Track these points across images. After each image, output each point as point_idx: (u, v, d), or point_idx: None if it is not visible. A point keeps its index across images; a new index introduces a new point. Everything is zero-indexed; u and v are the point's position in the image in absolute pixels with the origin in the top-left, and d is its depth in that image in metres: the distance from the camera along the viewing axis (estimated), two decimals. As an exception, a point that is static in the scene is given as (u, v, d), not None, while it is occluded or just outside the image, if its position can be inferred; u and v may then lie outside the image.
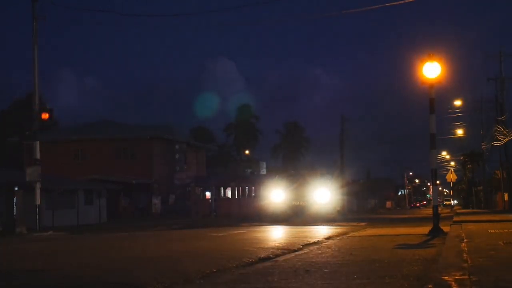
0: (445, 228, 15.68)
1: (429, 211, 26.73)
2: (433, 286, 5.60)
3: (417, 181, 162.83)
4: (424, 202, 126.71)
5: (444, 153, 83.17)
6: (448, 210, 65.00)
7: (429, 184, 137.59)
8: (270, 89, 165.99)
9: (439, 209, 17.27)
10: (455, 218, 26.55)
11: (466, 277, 5.93)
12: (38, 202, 25.50)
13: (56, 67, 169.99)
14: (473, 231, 14.42)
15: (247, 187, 61.63)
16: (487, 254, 8.28)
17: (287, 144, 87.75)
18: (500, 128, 44.41)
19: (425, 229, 15.86)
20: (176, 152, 53.75)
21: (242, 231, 18.81)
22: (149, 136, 50.58)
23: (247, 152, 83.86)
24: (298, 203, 27.38)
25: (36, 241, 17.22)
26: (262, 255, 10.03)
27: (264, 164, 78.84)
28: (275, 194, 27.90)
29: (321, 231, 17.88)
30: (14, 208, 27.68)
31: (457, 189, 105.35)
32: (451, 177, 56.14)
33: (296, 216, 26.78)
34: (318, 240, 14.05)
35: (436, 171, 16.57)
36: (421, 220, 28.59)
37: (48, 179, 31.67)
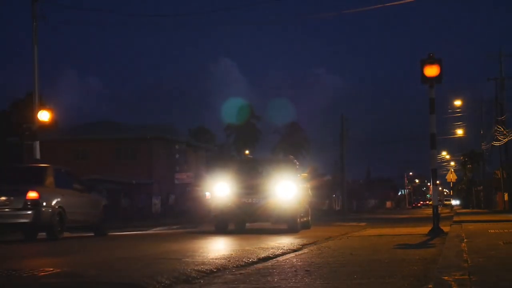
0: (445, 228, 15.69)
1: (429, 211, 26.67)
2: (433, 286, 5.60)
3: (417, 181, 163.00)
4: (427, 202, 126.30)
5: (444, 153, 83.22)
6: (448, 210, 65.05)
7: (429, 184, 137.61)
8: (270, 88, 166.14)
9: (439, 209, 17.27)
10: (455, 218, 26.58)
11: (466, 277, 5.93)
12: (38, 202, 25.44)
13: (56, 67, 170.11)
14: (473, 231, 14.42)
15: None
16: (487, 254, 8.27)
17: (286, 144, 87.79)
18: (500, 128, 44.41)
19: (425, 229, 15.87)
20: (176, 152, 53.76)
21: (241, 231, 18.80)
22: (149, 136, 50.57)
23: (247, 152, 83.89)
24: (250, 199, 18.00)
25: (36, 241, 17.20)
26: (262, 255, 10.02)
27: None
28: (219, 188, 18.59)
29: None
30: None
31: (457, 189, 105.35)
32: (451, 177, 56.15)
33: (247, 218, 18.82)
34: (318, 240, 14.06)
35: (436, 171, 16.58)
36: (421, 220, 28.60)
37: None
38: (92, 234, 18.91)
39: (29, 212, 16.13)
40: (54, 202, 16.76)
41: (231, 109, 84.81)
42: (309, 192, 21.35)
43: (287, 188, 18.15)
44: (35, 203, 16.24)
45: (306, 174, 21.61)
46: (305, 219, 19.56)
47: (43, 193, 16.48)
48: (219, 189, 18.44)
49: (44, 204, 16.39)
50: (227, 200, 18.11)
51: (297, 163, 21.03)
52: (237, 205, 18.00)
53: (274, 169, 19.45)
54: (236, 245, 12.73)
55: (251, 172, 19.66)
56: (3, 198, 16.33)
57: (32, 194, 16.23)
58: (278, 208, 17.79)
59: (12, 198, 16.33)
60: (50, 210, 16.58)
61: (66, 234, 17.48)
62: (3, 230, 17.30)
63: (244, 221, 19.35)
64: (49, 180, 17.25)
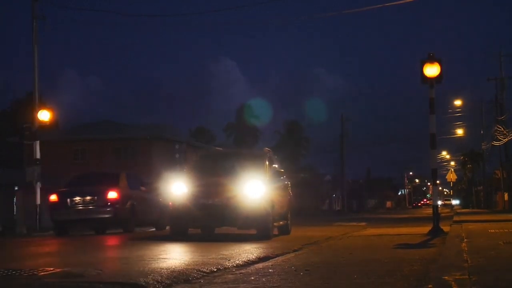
0: (445, 228, 15.70)
1: (429, 211, 26.67)
2: (433, 286, 5.60)
3: (417, 181, 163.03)
4: (428, 202, 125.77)
5: (444, 153, 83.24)
6: (448, 210, 65.06)
7: (429, 184, 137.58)
8: (270, 88, 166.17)
9: (439, 209, 17.28)
10: (455, 218, 26.58)
11: (466, 277, 5.93)
12: (38, 202, 25.48)
13: (56, 67, 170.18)
14: (473, 231, 14.43)
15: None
16: (487, 254, 8.28)
17: (286, 144, 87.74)
18: (500, 128, 44.42)
19: (425, 229, 15.87)
20: (176, 152, 53.73)
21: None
22: (149, 136, 50.57)
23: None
24: (210, 200, 15.01)
25: (36, 241, 17.22)
26: (262, 255, 10.03)
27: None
28: (176, 187, 15.56)
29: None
30: (14, 208, 27.69)
31: (457, 189, 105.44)
32: (451, 177, 56.18)
33: (208, 221, 15.47)
34: (318, 240, 14.06)
35: (436, 171, 16.60)
36: (421, 220, 28.61)
37: (48, 179, 31.64)
38: (154, 229, 21.80)
39: (110, 209, 19.18)
40: (128, 201, 19.79)
41: (252, 110, 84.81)
42: (289, 191, 18.13)
43: (257, 187, 15.08)
44: (115, 202, 19.29)
45: (283, 170, 18.25)
46: (281, 222, 16.70)
47: (120, 194, 19.51)
48: (177, 188, 15.48)
49: (121, 202, 19.39)
50: (185, 201, 15.11)
51: (273, 156, 17.94)
52: (196, 207, 14.96)
53: (243, 164, 16.33)
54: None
55: (215, 168, 16.58)
56: (88, 197, 19.36)
57: (112, 194, 19.32)
58: (245, 210, 14.72)
59: (95, 197, 19.39)
60: (126, 208, 19.60)
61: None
62: (88, 224, 20.34)
63: (205, 225, 16.22)
64: (123, 182, 20.29)
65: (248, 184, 15.05)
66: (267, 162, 16.62)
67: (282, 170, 18.08)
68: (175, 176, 17.63)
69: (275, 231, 16.13)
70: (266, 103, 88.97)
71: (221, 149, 19.83)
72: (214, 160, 17.93)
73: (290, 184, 18.67)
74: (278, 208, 16.10)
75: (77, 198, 19.41)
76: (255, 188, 15.03)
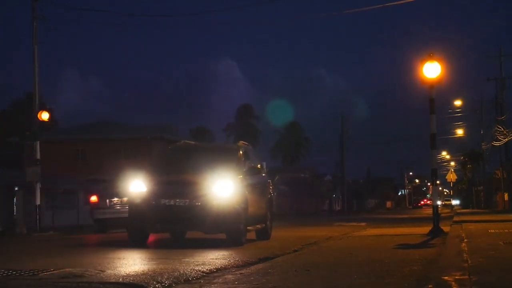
0: (445, 228, 15.70)
1: (429, 211, 26.71)
2: (433, 286, 5.60)
3: (417, 181, 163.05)
4: (428, 202, 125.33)
5: (444, 153, 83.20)
6: (448, 210, 65.07)
7: (429, 184, 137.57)
8: (271, 88, 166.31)
9: (439, 209, 17.28)
10: (455, 218, 26.58)
11: (466, 277, 5.93)
12: (38, 202, 25.50)
13: (57, 67, 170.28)
14: (473, 231, 14.43)
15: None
16: (487, 254, 8.28)
17: (287, 144, 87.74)
18: (500, 128, 44.43)
19: (425, 229, 15.88)
20: (176, 152, 53.80)
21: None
22: (149, 136, 50.60)
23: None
24: (173, 201, 13.01)
25: (36, 241, 17.22)
26: (262, 255, 10.03)
27: (264, 164, 78.75)
28: (136, 186, 13.58)
29: None
30: (14, 208, 27.69)
31: (457, 189, 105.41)
32: (451, 177, 56.18)
33: (170, 225, 13.51)
34: (318, 240, 14.06)
35: (436, 171, 16.60)
36: (421, 220, 28.63)
37: (48, 179, 31.67)
38: None
39: None
40: None
41: (275, 111, 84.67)
42: (270, 190, 16.23)
43: (227, 185, 13.13)
44: None
45: (261, 167, 16.14)
46: (259, 226, 14.65)
47: None
48: (135, 186, 13.52)
49: None
50: (144, 202, 13.18)
51: (250, 151, 16.10)
52: (156, 209, 13.00)
53: (212, 160, 14.27)
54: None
55: (180, 164, 14.47)
56: (125, 198, 20.04)
57: None
58: (212, 211, 12.81)
59: None
60: None
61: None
62: (125, 222, 22.35)
63: (167, 229, 14.31)
64: None
65: (216, 182, 13.12)
66: (240, 157, 14.58)
67: (260, 167, 16.06)
68: (135, 172, 15.08)
69: (252, 235, 14.53)
70: (287, 103, 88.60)
71: (191, 142, 15.94)
72: (180, 155, 15.30)
73: (272, 181, 16.85)
74: (254, 210, 14.17)
75: (115, 199, 21.53)
76: (224, 187, 13.11)
